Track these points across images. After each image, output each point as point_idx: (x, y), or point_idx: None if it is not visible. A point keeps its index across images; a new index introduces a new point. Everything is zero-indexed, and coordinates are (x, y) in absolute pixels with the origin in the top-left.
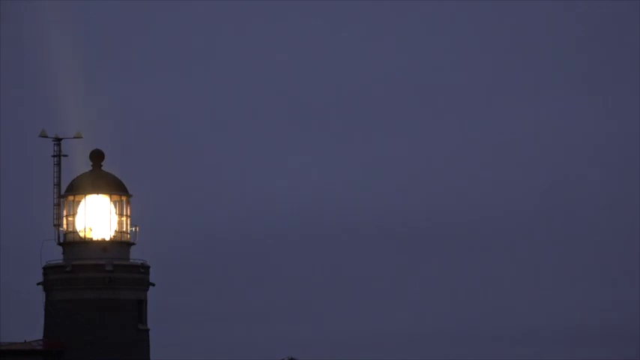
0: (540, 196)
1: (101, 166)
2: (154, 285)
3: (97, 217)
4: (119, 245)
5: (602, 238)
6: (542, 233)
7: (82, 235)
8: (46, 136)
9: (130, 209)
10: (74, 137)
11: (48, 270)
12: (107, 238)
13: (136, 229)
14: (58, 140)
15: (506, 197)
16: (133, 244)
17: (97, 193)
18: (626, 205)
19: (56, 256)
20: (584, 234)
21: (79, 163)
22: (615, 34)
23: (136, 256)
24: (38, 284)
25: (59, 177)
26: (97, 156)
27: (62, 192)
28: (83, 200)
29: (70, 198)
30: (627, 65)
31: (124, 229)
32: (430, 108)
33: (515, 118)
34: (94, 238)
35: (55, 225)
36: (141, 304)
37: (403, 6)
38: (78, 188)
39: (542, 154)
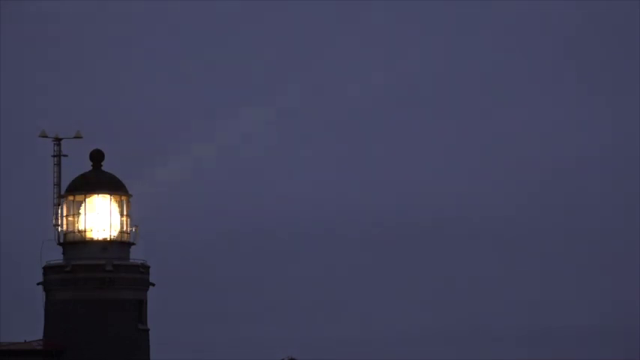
0: (540, 196)
1: (101, 166)
2: (153, 285)
3: (96, 217)
4: (119, 245)
5: (602, 238)
6: (542, 233)
7: (82, 235)
8: (46, 136)
9: (130, 209)
10: (74, 137)
11: (48, 270)
12: (107, 238)
13: (135, 229)
14: (58, 140)
15: (506, 198)
16: (133, 244)
17: (97, 193)
18: (626, 205)
19: (56, 256)
20: (584, 234)
21: (79, 163)
22: (616, 34)
23: (136, 256)
24: (38, 284)
25: (59, 177)
26: (97, 156)
27: (62, 192)
28: (83, 200)
29: (70, 198)
30: (628, 66)
31: (124, 229)
32: (426, 109)
33: (513, 119)
34: (94, 238)
35: (55, 225)
36: (141, 304)
37: (400, 6)
38: (78, 188)
39: (543, 153)
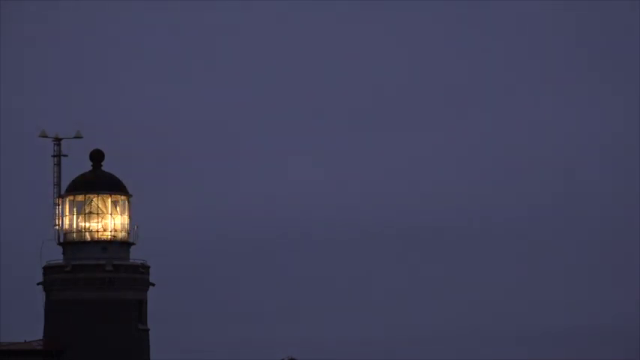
0: (540, 197)
1: (101, 166)
2: (153, 285)
3: (96, 217)
4: (119, 245)
5: (602, 240)
6: (543, 234)
7: (82, 235)
8: (46, 136)
9: (130, 209)
10: (74, 137)
11: (48, 270)
12: (107, 238)
13: (136, 229)
14: (58, 140)
15: (506, 200)
16: (133, 244)
17: (97, 193)
18: (625, 205)
19: (56, 256)
20: (585, 234)
21: (79, 163)
22: (616, 34)
23: (136, 256)
24: (38, 284)
25: (59, 177)
26: (97, 156)
27: (62, 192)
28: (83, 200)
29: (70, 198)
30: (629, 64)
31: (124, 229)
32: (426, 109)
33: (516, 118)
34: (94, 238)
35: (55, 225)
36: (141, 304)
37: (401, 5)
38: (78, 188)
39: (545, 154)
